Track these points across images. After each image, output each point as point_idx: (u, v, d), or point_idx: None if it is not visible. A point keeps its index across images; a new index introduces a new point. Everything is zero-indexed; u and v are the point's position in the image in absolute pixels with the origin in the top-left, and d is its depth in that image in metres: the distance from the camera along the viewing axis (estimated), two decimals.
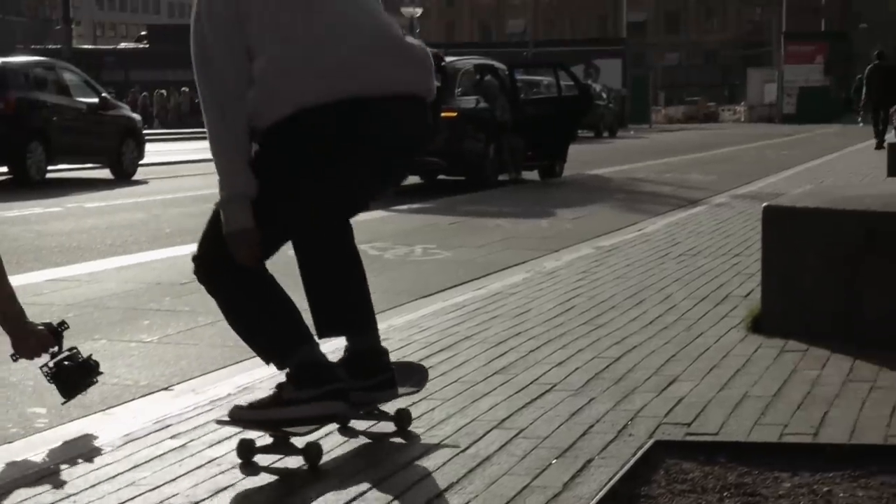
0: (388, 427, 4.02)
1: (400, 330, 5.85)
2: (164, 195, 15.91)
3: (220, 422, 3.85)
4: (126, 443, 3.92)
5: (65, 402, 4.25)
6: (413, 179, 17.47)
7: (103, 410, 4.50)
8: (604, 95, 44.72)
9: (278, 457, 3.72)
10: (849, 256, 5.30)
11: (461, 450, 3.78)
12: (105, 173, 19.80)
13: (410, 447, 3.87)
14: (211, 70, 3.66)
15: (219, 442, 3.91)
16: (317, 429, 3.79)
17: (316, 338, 3.89)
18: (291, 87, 3.59)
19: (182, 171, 21.82)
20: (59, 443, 3.98)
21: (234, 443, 3.79)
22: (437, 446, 3.83)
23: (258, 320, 3.84)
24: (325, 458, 3.70)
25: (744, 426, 3.97)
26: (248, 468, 3.66)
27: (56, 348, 4.11)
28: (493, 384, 4.65)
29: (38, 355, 4.11)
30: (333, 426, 3.94)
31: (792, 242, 5.59)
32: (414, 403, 4.29)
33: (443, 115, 16.39)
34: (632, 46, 72.61)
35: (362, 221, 12.47)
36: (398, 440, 3.96)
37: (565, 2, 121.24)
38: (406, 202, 13.73)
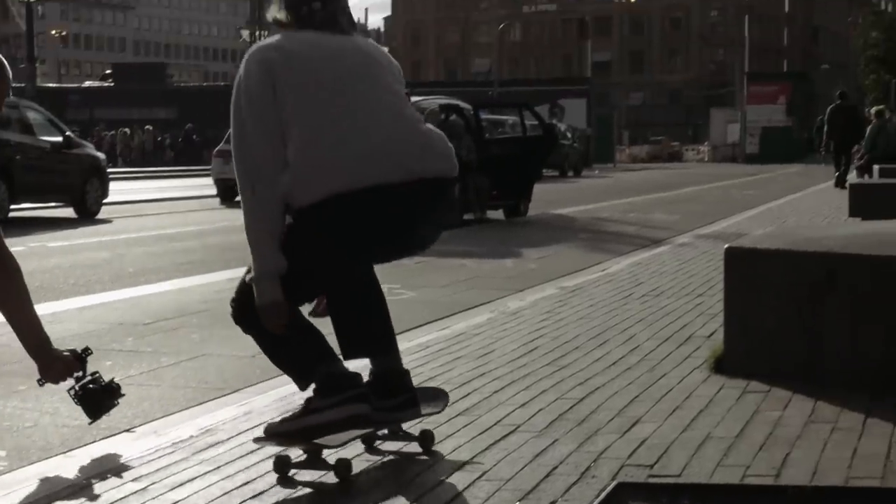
0: (413, 447, 4.28)
1: (364, 371, 5.83)
2: (128, 234, 15.86)
3: (257, 440, 4.20)
4: (86, 486, 3.89)
5: (91, 423, 4.48)
6: None
7: (64, 453, 4.47)
8: (568, 135, 44.88)
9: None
10: (810, 297, 5.34)
11: (425, 490, 3.77)
12: (69, 212, 19.71)
13: (430, 464, 4.11)
14: (245, 146, 4.01)
15: (181, 485, 3.89)
16: (346, 445, 4.07)
17: (341, 358, 4.21)
18: (322, 175, 3.93)
19: (146, 210, 21.77)
20: (18, 487, 3.94)
21: (196, 485, 3.77)
22: (404, 484, 3.83)
23: (287, 351, 4.16)
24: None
25: (706, 468, 3.98)
26: (283, 482, 3.93)
27: (80, 373, 4.33)
28: (456, 425, 4.64)
29: (64, 379, 4.31)
30: (360, 448, 4.24)
31: (754, 283, 5.63)
32: (378, 444, 4.30)
33: None
34: (596, 86, 73.02)
35: None
36: (423, 458, 4.22)
37: (530, 42, 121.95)
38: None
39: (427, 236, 4.30)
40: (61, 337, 7.28)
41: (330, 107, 4.01)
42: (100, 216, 19.76)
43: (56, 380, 4.34)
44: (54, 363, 4.28)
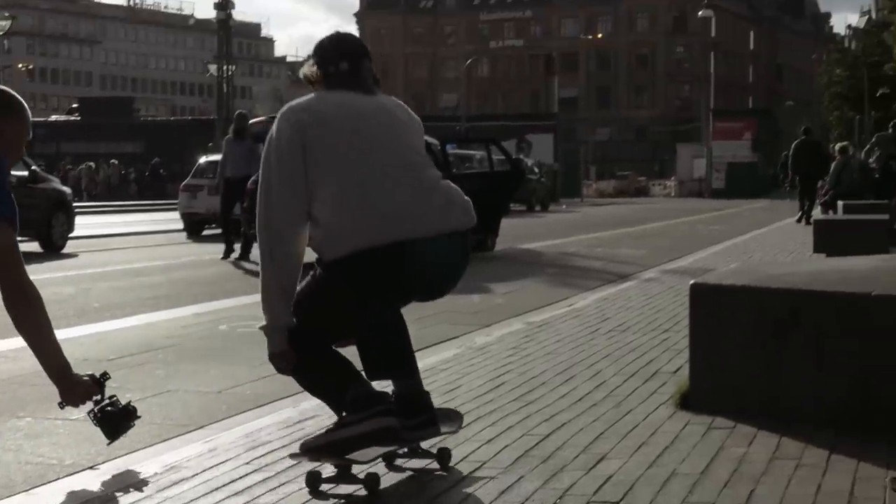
0: (432, 463, 4.58)
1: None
2: (93, 269, 15.78)
3: (293, 455, 4.48)
4: None
5: (110, 443, 4.64)
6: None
7: (26, 491, 4.43)
8: (536, 170, 45.03)
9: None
10: (774, 334, 5.36)
11: None
12: (34, 246, 19.59)
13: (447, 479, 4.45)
14: (270, 200, 4.35)
15: None
16: (375, 461, 4.38)
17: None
18: (350, 233, 4.27)
19: (112, 244, 21.68)
20: None
21: None
22: None
23: (320, 381, 4.52)
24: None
25: None
26: (315, 496, 4.18)
27: (99, 396, 4.53)
28: (422, 461, 4.63)
29: (84, 403, 4.50)
30: (384, 469, 4.51)
31: (719, 320, 5.66)
32: (337, 486, 4.29)
33: None
34: (563, 121, 73.36)
35: None
36: (440, 473, 4.51)
37: (498, 77, 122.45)
38: None
39: (446, 283, 4.58)
40: (25, 373, 7.25)
41: (357, 168, 4.32)
42: (65, 250, 19.64)
43: (76, 403, 4.52)
44: (75, 387, 4.46)
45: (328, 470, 4.35)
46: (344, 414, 4.39)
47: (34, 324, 4.38)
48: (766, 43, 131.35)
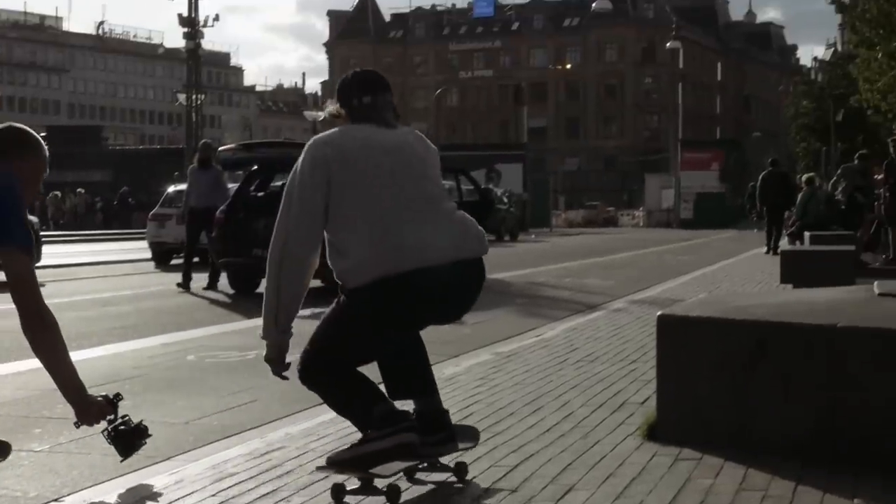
0: (451, 477, 4.88)
1: (297, 438, 5.81)
2: (60, 298, 15.67)
3: (319, 468, 4.78)
4: None
5: (123, 461, 4.81)
6: (315, 283, 17.41)
7: None
8: (505, 200, 45.11)
9: None
10: (741, 365, 5.38)
11: None
12: (0, 276, 19.47)
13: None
14: (288, 223, 4.67)
15: None
16: (396, 475, 4.66)
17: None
18: (372, 262, 4.56)
19: (80, 274, 21.57)
20: None
21: None
22: None
23: (346, 403, 4.82)
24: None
25: None
26: None
27: (112, 416, 4.72)
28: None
29: (98, 422, 4.67)
30: (406, 482, 4.78)
31: (686, 351, 5.67)
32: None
33: None
34: (532, 151, 73.55)
35: None
36: (458, 486, 4.81)
37: (467, 107, 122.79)
38: (309, 307, 13.66)
39: (461, 306, 4.90)
40: None
41: (379, 202, 4.61)
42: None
43: (91, 422, 4.69)
44: (90, 408, 4.62)
45: (352, 482, 4.64)
46: (368, 431, 4.67)
47: (51, 347, 4.54)
48: (733, 74, 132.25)
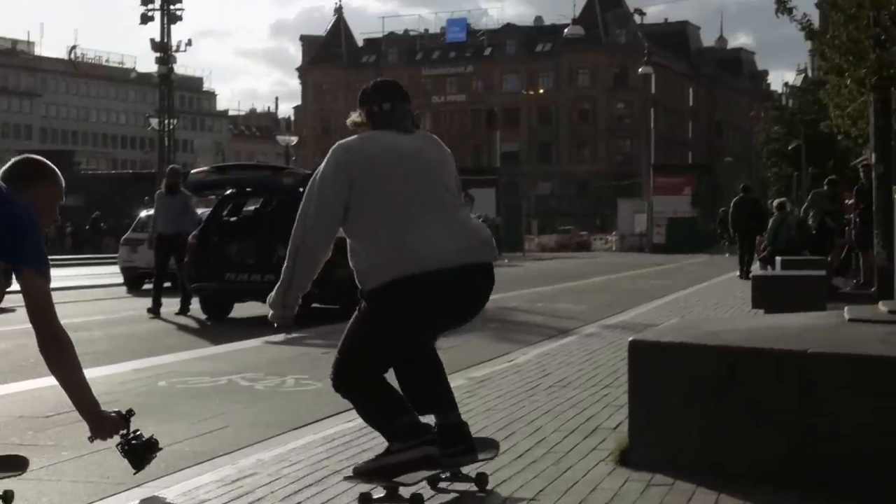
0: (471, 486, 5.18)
1: (268, 465, 5.79)
2: (26, 325, 15.57)
3: (347, 478, 5.10)
4: None
5: (136, 473, 4.97)
6: None
7: None
8: None
9: None
10: (713, 391, 5.40)
11: None
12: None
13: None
14: (307, 221, 5.03)
15: None
16: (420, 482, 4.96)
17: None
18: (390, 264, 4.89)
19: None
20: None
21: None
22: None
23: (374, 413, 5.11)
24: None
25: None
26: None
27: (125, 430, 4.89)
28: None
29: (112, 436, 4.86)
30: (430, 491, 5.08)
31: (658, 376, 5.68)
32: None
33: None
34: (505, 175, 73.64)
35: (236, 352, 12.33)
36: (480, 495, 5.09)
37: (440, 131, 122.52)
38: (281, 331, 13.64)
39: (470, 310, 5.24)
40: None
41: (398, 207, 4.93)
42: (2, 305, 19.38)
43: (105, 437, 4.86)
44: (104, 423, 4.80)
45: (378, 491, 4.99)
46: (393, 442, 4.98)
47: (67, 365, 4.74)
48: (705, 99, 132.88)
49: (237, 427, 7.39)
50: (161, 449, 5.13)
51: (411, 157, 5.06)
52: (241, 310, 17.13)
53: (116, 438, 4.96)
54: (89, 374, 10.11)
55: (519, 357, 10.72)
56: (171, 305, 17.07)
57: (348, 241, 5.07)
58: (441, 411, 5.17)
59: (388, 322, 4.96)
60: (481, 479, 5.22)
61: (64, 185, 4.95)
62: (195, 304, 17.00)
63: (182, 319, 16.46)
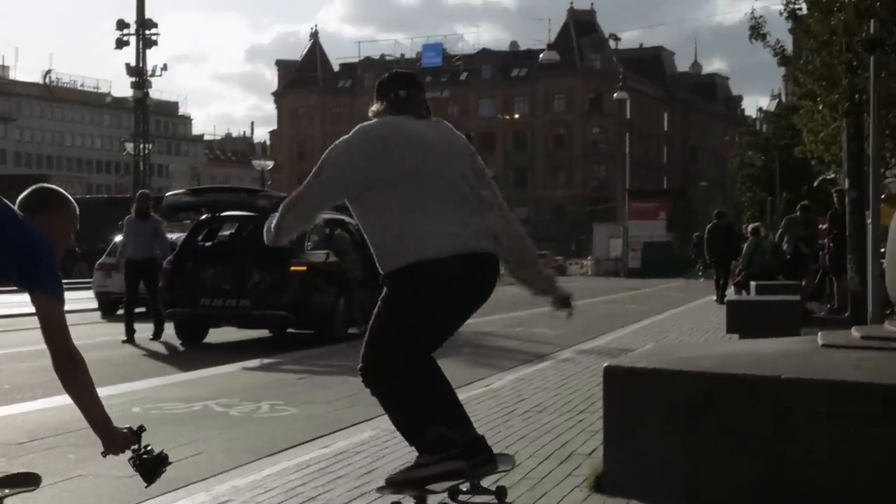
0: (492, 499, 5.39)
1: (243, 491, 5.77)
2: (5, 349, 15.54)
3: (379, 489, 5.39)
4: None
5: (147, 486, 5.03)
6: (263, 333, 17.38)
7: None
8: None
9: None
10: (687, 417, 5.41)
11: None
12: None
13: None
14: (312, 188, 5.30)
15: None
16: (446, 491, 5.31)
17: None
18: (401, 249, 5.13)
19: (25, 324, 21.30)
20: None
21: None
22: None
23: (404, 418, 5.32)
24: None
25: None
26: None
27: (136, 446, 5.01)
28: None
29: (124, 451, 4.98)
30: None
31: (633, 402, 5.69)
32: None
33: (292, 269, 16.43)
34: None
35: (211, 378, 12.29)
36: None
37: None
38: (256, 357, 13.61)
39: (476, 301, 5.45)
40: None
41: (413, 193, 5.14)
42: None
43: (117, 452, 4.97)
44: (116, 439, 4.92)
45: (407, 500, 5.29)
46: (422, 454, 5.20)
47: (83, 385, 4.89)
48: (680, 125, 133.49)
49: (212, 453, 7.37)
50: (171, 463, 5.18)
51: (428, 143, 5.29)
52: (216, 335, 17.08)
53: (128, 453, 5.07)
54: (62, 400, 10.08)
55: (495, 382, 10.72)
56: (145, 331, 17.00)
57: (366, 224, 5.30)
58: (458, 430, 5.30)
59: (405, 305, 5.18)
60: (501, 492, 5.45)
61: (78, 212, 5.14)
62: (170, 330, 16.94)
63: (156, 345, 16.40)
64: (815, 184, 31.28)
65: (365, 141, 5.22)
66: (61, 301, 4.78)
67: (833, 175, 25.33)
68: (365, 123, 5.32)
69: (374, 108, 5.46)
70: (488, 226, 5.33)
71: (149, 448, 5.09)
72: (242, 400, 9.88)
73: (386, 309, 5.25)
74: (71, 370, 4.84)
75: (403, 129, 5.27)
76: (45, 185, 5.19)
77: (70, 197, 5.10)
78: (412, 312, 5.20)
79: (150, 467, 5.07)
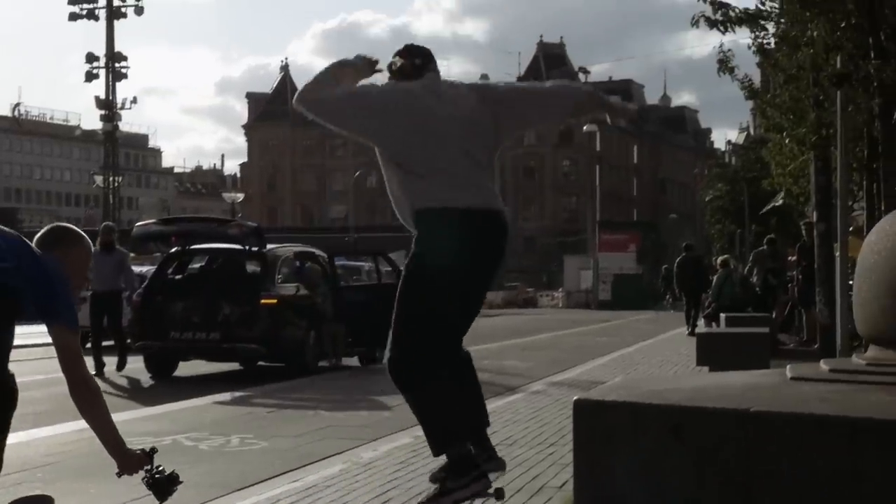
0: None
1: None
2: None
3: None
4: None
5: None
6: (233, 366, 17.32)
7: None
8: None
9: None
10: (656, 451, 5.41)
11: None
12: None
13: None
14: (350, 95, 5.80)
15: None
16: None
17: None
18: (429, 194, 5.57)
19: None
20: None
21: None
22: None
23: (430, 421, 5.78)
24: None
25: None
26: None
27: (149, 466, 5.19)
28: None
29: (138, 472, 5.19)
30: None
31: (602, 435, 5.69)
32: None
33: (263, 301, 16.41)
34: None
35: (180, 411, 12.23)
36: None
37: (386, 189, 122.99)
38: (226, 390, 13.57)
39: (491, 262, 5.84)
40: None
41: (424, 149, 5.61)
42: None
43: (132, 472, 5.16)
44: (130, 460, 5.12)
45: None
46: (447, 479, 5.55)
47: (98, 410, 5.08)
48: (649, 157, 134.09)
49: (181, 488, 7.30)
50: (182, 482, 5.35)
51: (441, 105, 5.72)
52: (186, 368, 17.02)
53: (142, 473, 5.25)
54: (28, 435, 10.07)
55: None
56: (113, 364, 16.93)
57: (391, 176, 5.83)
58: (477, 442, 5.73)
59: (426, 254, 5.51)
60: (499, 493, 5.79)
61: (93, 249, 5.33)
62: (139, 363, 16.87)
63: (126, 379, 16.33)
64: (763, 211, 31.49)
65: (403, 90, 5.75)
66: (77, 332, 5.00)
67: (781, 202, 25.60)
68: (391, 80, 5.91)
69: (397, 61, 5.94)
70: (488, 182, 5.80)
71: (160, 468, 5.31)
72: (212, 434, 9.84)
73: (409, 276, 5.59)
74: (88, 397, 5.06)
75: (417, 94, 5.73)
76: (60, 223, 5.44)
77: (84, 234, 5.31)
78: (436, 273, 5.49)
79: (163, 486, 5.30)
